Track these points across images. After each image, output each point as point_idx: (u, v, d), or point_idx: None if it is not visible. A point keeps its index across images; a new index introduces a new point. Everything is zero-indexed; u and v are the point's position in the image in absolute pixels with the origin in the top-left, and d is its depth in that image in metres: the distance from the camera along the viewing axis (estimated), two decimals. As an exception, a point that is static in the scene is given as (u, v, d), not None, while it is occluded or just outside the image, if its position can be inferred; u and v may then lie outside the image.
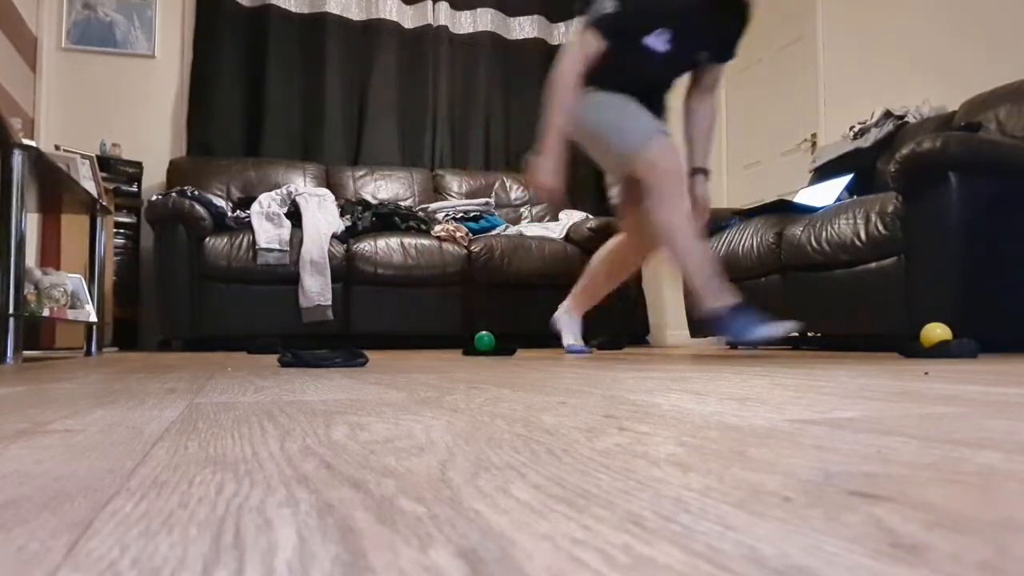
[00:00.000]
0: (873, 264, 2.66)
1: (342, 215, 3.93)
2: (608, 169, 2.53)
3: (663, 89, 2.47)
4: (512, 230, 4.26)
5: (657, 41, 2.24)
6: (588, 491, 0.35)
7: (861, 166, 3.51)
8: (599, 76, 2.27)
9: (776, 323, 2.13)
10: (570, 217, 4.37)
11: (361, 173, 4.54)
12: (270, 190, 3.99)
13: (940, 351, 1.97)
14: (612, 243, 2.61)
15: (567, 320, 2.71)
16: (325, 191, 4.04)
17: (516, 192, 4.77)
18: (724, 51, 2.42)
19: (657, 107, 2.43)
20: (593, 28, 2.22)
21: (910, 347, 2.06)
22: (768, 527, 0.28)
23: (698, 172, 2.42)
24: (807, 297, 2.98)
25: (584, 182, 5.05)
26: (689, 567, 0.23)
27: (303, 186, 4.16)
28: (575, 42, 2.27)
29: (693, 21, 2.26)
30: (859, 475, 0.38)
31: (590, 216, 4.32)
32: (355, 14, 4.75)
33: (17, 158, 2.19)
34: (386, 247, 3.75)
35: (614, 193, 2.59)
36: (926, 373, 1.25)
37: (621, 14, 2.19)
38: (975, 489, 0.34)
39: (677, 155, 2.25)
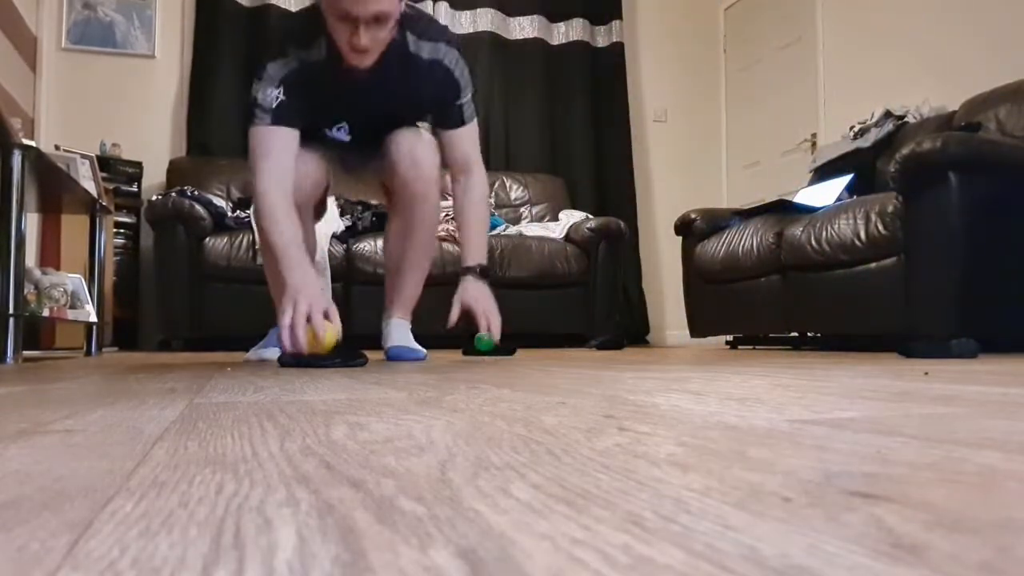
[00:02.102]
0: (873, 264, 2.66)
1: (342, 215, 3.93)
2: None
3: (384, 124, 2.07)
4: (512, 230, 4.26)
5: (339, 134, 2.01)
6: (588, 491, 0.35)
7: (861, 166, 3.51)
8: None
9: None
10: (570, 217, 4.37)
11: (361, 173, 4.53)
12: (270, 190, 3.99)
13: (940, 351, 1.97)
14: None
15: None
16: (325, 191, 4.03)
17: (516, 192, 4.77)
18: (446, 121, 2.06)
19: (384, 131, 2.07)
20: (271, 124, 1.84)
21: (907, 347, 2.06)
22: (768, 527, 0.28)
23: (468, 271, 2.04)
24: (807, 297, 2.98)
25: (584, 182, 5.06)
26: (689, 567, 0.23)
27: (303, 186, 4.15)
28: (256, 154, 1.84)
29: (365, 113, 1.98)
30: (859, 475, 0.38)
31: (590, 216, 4.32)
32: (355, 14, 4.74)
33: (17, 158, 2.19)
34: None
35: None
36: (926, 373, 1.25)
37: (288, 104, 1.85)
38: (975, 489, 0.34)
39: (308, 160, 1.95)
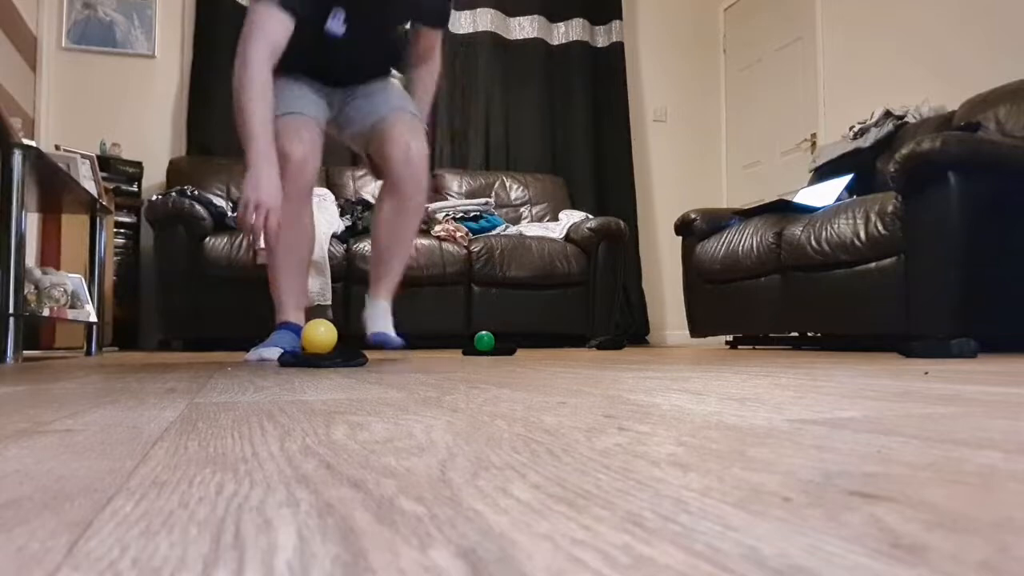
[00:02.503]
0: (873, 264, 2.66)
1: (342, 215, 3.93)
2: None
3: (369, 53, 2.21)
4: (512, 230, 4.26)
5: (334, 23, 2.04)
6: (588, 491, 0.35)
7: (861, 166, 3.51)
8: (286, 62, 2.02)
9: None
10: (570, 217, 4.37)
11: (361, 173, 4.53)
12: (270, 190, 3.99)
13: (940, 351, 1.97)
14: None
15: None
16: (325, 191, 4.04)
17: (516, 192, 4.77)
18: (431, 17, 2.23)
19: (367, 67, 2.24)
20: (279, 4, 1.93)
21: (907, 347, 2.06)
22: (768, 527, 0.28)
23: (409, 113, 2.22)
24: (807, 297, 2.98)
25: (584, 182, 5.06)
26: (689, 567, 0.23)
27: (303, 186, 4.16)
28: (253, 23, 1.94)
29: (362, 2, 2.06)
30: (859, 475, 0.38)
31: (590, 216, 4.32)
32: (355, 14, 4.75)
33: (17, 158, 2.19)
34: (386, 247, 3.75)
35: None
36: (926, 373, 1.25)
37: None
38: (975, 489, 0.34)
39: (307, 140, 2.05)
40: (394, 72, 2.37)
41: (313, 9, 2.00)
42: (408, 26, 2.30)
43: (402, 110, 2.19)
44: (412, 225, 2.22)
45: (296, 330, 2.13)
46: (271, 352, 2.03)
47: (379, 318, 2.20)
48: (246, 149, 1.90)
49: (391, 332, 2.19)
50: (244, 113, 1.91)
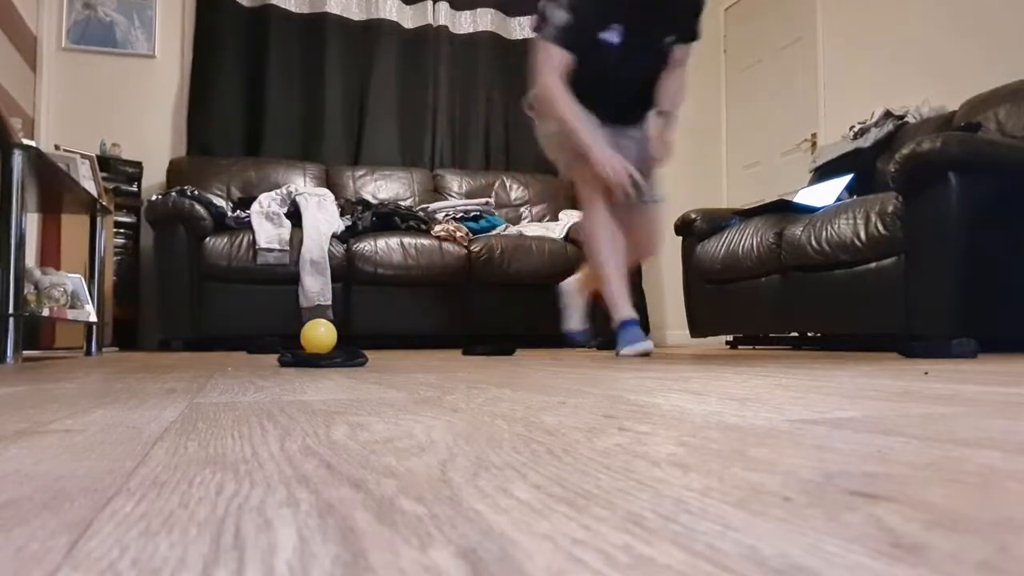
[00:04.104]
0: (873, 264, 2.66)
1: (342, 215, 3.93)
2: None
3: (634, 85, 2.50)
4: (512, 230, 4.26)
5: (610, 35, 2.34)
6: (588, 491, 0.35)
7: (861, 166, 3.51)
8: (576, 90, 2.36)
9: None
10: (570, 217, 4.37)
11: (361, 173, 4.54)
12: (270, 190, 3.99)
13: (939, 351, 1.97)
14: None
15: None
16: (325, 191, 4.04)
17: (516, 192, 4.77)
18: (687, 33, 2.50)
19: (632, 106, 2.53)
20: (554, 42, 2.32)
21: (907, 347, 2.05)
22: (768, 527, 0.28)
23: (663, 115, 2.49)
24: (807, 297, 2.98)
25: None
26: (689, 567, 0.23)
27: (303, 186, 4.16)
28: (542, 59, 2.35)
29: (642, 12, 2.34)
30: (859, 475, 0.38)
31: (590, 216, 4.31)
32: (355, 14, 4.75)
33: (17, 158, 2.19)
34: (386, 247, 3.75)
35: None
36: (926, 373, 1.25)
37: (573, 25, 2.30)
38: (975, 489, 0.34)
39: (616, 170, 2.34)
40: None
41: (594, 22, 2.32)
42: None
43: (657, 200, 2.56)
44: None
45: (638, 323, 2.39)
46: (647, 345, 2.28)
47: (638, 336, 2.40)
48: (577, 142, 2.33)
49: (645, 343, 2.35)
50: (564, 122, 2.34)
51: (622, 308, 2.39)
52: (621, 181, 2.29)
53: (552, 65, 2.32)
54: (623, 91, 2.48)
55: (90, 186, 2.91)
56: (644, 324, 2.53)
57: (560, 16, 2.30)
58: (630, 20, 2.34)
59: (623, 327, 2.34)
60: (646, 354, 2.26)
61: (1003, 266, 2.39)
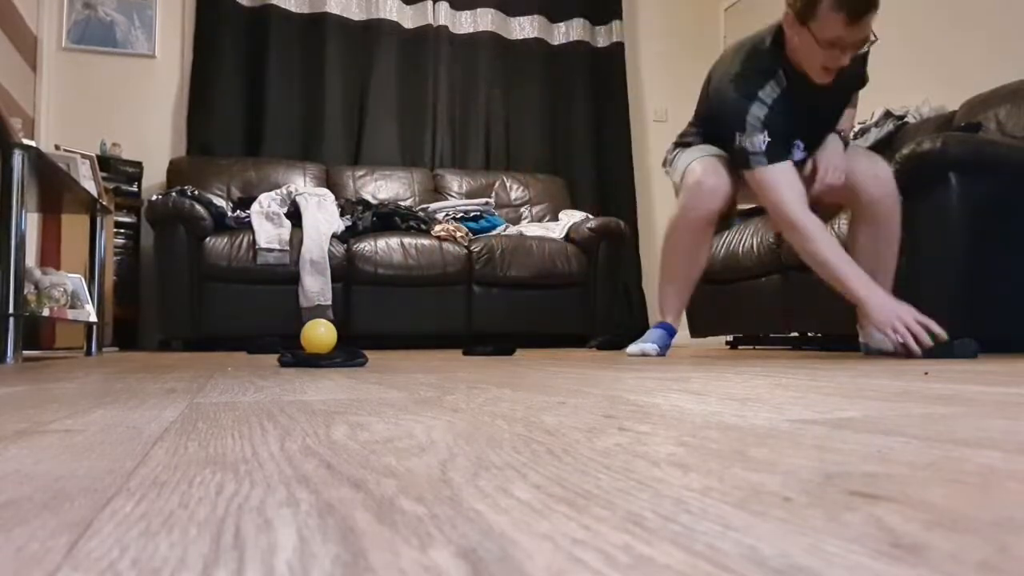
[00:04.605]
0: (873, 264, 2.66)
1: (342, 215, 3.93)
2: None
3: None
4: (512, 230, 4.26)
5: (797, 152, 2.26)
6: (588, 491, 0.35)
7: (861, 166, 3.51)
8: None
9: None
10: (570, 217, 4.37)
11: (361, 173, 4.54)
12: (270, 190, 3.99)
13: (941, 351, 1.96)
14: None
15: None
16: (325, 191, 4.04)
17: (516, 192, 4.77)
18: (856, 84, 2.38)
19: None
20: (770, 163, 2.14)
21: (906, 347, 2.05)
22: (768, 527, 0.28)
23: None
24: (807, 297, 2.98)
25: (584, 182, 5.06)
26: (689, 567, 0.23)
27: (303, 186, 4.16)
28: (770, 186, 2.15)
29: (819, 113, 2.27)
30: (859, 475, 0.38)
31: (590, 216, 4.32)
32: (355, 14, 4.75)
33: (17, 158, 2.19)
34: (386, 247, 3.75)
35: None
36: (926, 373, 1.25)
37: (773, 142, 2.15)
38: (975, 489, 0.34)
39: (720, 174, 2.27)
40: None
41: (783, 146, 2.18)
42: None
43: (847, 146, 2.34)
44: (893, 243, 2.33)
45: (670, 330, 2.41)
46: (651, 347, 2.28)
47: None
48: (849, 291, 2.07)
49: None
50: (827, 267, 2.10)
51: (661, 312, 2.48)
52: (908, 337, 1.93)
53: (781, 184, 2.12)
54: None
55: (90, 186, 2.91)
56: (643, 324, 2.52)
57: (760, 139, 2.13)
58: (812, 129, 2.27)
59: (652, 327, 2.43)
60: (644, 354, 2.29)
61: (1003, 266, 2.39)
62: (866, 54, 2.25)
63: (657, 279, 2.54)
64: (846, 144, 2.35)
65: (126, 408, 0.77)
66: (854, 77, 2.27)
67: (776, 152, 2.13)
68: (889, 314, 1.97)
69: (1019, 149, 2.50)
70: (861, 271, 2.07)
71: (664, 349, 2.34)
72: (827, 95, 2.19)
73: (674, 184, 2.52)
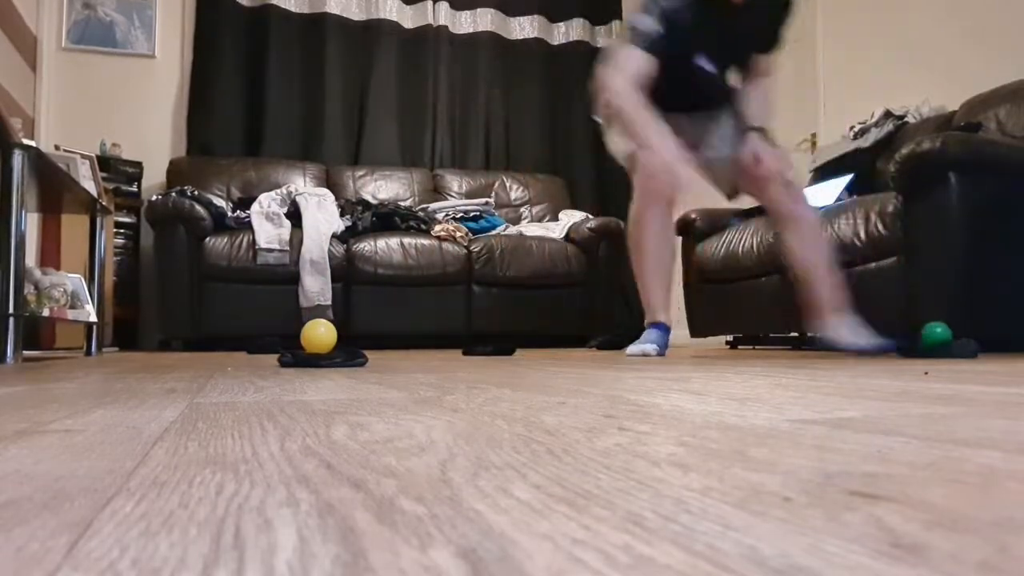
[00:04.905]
0: (873, 264, 2.66)
1: (342, 215, 3.93)
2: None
3: (713, 89, 2.46)
4: (512, 230, 4.26)
5: (704, 62, 2.30)
6: (588, 491, 0.35)
7: (861, 166, 3.51)
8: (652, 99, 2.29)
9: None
10: (570, 217, 4.37)
11: (361, 173, 4.54)
12: (270, 190, 3.99)
13: (941, 351, 1.97)
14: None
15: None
16: (325, 191, 4.04)
17: (516, 192, 4.77)
18: (771, 43, 2.43)
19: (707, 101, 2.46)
20: (641, 47, 2.19)
21: (913, 347, 2.05)
22: (768, 527, 0.28)
23: (751, 130, 2.38)
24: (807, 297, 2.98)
25: (584, 182, 5.06)
26: (689, 567, 0.23)
27: (303, 186, 4.16)
28: (619, 61, 2.23)
29: (733, 39, 2.30)
30: (859, 475, 0.38)
31: (590, 216, 4.32)
32: (355, 14, 4.75)
33: (17, 158, 2.19)
34: (386, 247, 3.75)
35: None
36: (926, 373, 1.25)
37: (663, 37, 2.19)
38: (975, 489, 0.34)
39: (672, 149, 2.21)
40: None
41: (688, 45, 2.24)
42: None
43: (760, 144, 2.35)
44: (819, 240, 2.39)
45: (666, 329, 2.38)
46: (651, 348, 2.26)
47: (855, 331, 2.28)
48: (636, 138, 2.22)
49: (872, 340, 2.23)
50: (630, 122, 2.22)
51: (652, 311, 2.41)
52: (676, 180, 2.15)
53: (629, 69, 2.20)
54: (708, 92, 2.43)
55: (90, 186, 2.91)
56: (641, 325, 2.51)
57: (649, 24, 2.19)
58: (722, 48, 2.31)
59: (647, 328, 2.39)
60: (645, 355, 2.28)
61: (1003, 266, 2.39)
62: (783, 14, 2.37)
63: (642, 290, 2.47)
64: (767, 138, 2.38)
65: (126, 408, 0.77)
66: (765, 22, 2.34)
67: (655, 48, 2.19)
68: (669, 153, 2.15)
69: (1019, 149, 2.50)
70: (657, 130, 2.18)
71: (663, 348, 2.33)
72: (739, 21, 2.25)
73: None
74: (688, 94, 2.38)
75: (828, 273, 2.35)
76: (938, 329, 2.04)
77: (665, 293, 2.42)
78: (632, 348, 2.31)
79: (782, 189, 2.34)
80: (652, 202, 2.29)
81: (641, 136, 2.20)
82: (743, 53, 2.40)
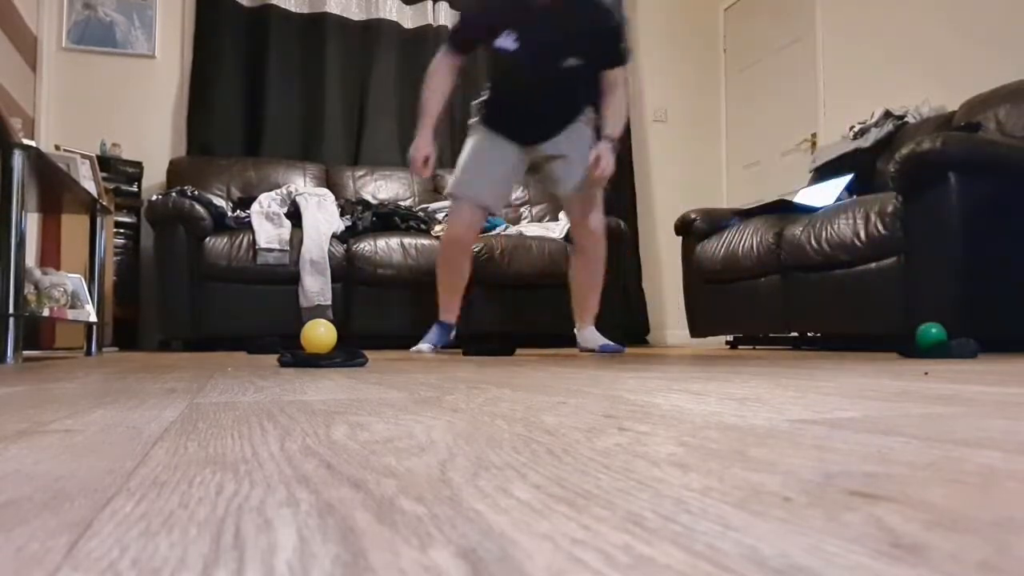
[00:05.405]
0: (873, 264, 2.66)
1: (342, 215, 3.93)
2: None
3: (553, 98, 2.67)
4: (512, 230, 4.26)
5: (506, 41, 2.51)
6: (588, 491, 0.35)
7: (861, 166, 3.51)
8: (490, 97, 2.74)
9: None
10: (570, 217, 4.37)
11: (361, 173, 4.53)
12: (270, 190, 3.99)
13: (940, 351, 1.97)
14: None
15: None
16: (325, 191, 4.03)
17: (516, 192, 4.77)
18: (608, 57, 2.61)
19: (552, 125, 2.71)
20: (447, 43, 2.67)
21: (910, 347, 2.06)
22: (768, 527, 0.28)
23: (604, 139, 2.62)
24: (807, 297, 2.98)
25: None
26: (689, 567, 0.23)
27: (303, 186, 4.16)
28: (437, 59, 2.71)
29: (537, 19, 2.48)
30: (859, 475, 0.38)
31: (590, 216, 4.31)
32: (355, 14, 4.75)
33: (17, 158, 2.19)
34: (386, 247, 3.75)
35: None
36: (926, 373, 1.25)
37: (460, 25, 2.68)
38: (975, 489, 0.34)
39: (464, 224, 2.71)
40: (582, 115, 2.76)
41: (485, 31, 2.54)
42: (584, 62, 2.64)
43: (583, 191, 2.68)
44: (597, 270, 2.92)
45: (447, 327, 2.86)
46: (425, 347, 2.76)
47: (598, 337, 2.88)
48: (420, 122, 2.73)
49: (608, 342, 2.83)
50: (424, 100, 2.73)
51: (442, 312, 2.88)
52: (416, 167, 2.68)
53: (441, 61, 2.67)
54: (535, 104, 2.65)
55: (90, 186, 2.91)
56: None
57: (453, 21, 2.59)
58: (522, 26, 2.48)
59: (435, 325, 2.85)
60: (420, 352, 2.66)
61: (1003, 266, 2.39)
62: (617, 29, 2.59)
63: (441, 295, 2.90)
64: (615, 151, 2.60)
65: (126, 408, 0.77)
66: (593, 25, 2.52)
67: (454, 42, 2.66)
68: (413, 151, 2.68)
69: (1019, 149, 2.50)
70: (432, 120, 2.71)
71: (440, 346, 2.80)
72: (554, 18, 2.47)
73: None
74: (521, 121, 2.68)
75: (595, 289, 2.88)
76: (933, 330, 2.04)
77: (457, 303, 2.87)
78: (415, 347, 2.74)
79: (591, 202, 2.72)
80: (456, 238, 2.75)
81: (421, 121, 2.72)
82: (559, 52, 2.54)
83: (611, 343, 2.82)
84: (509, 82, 2.67)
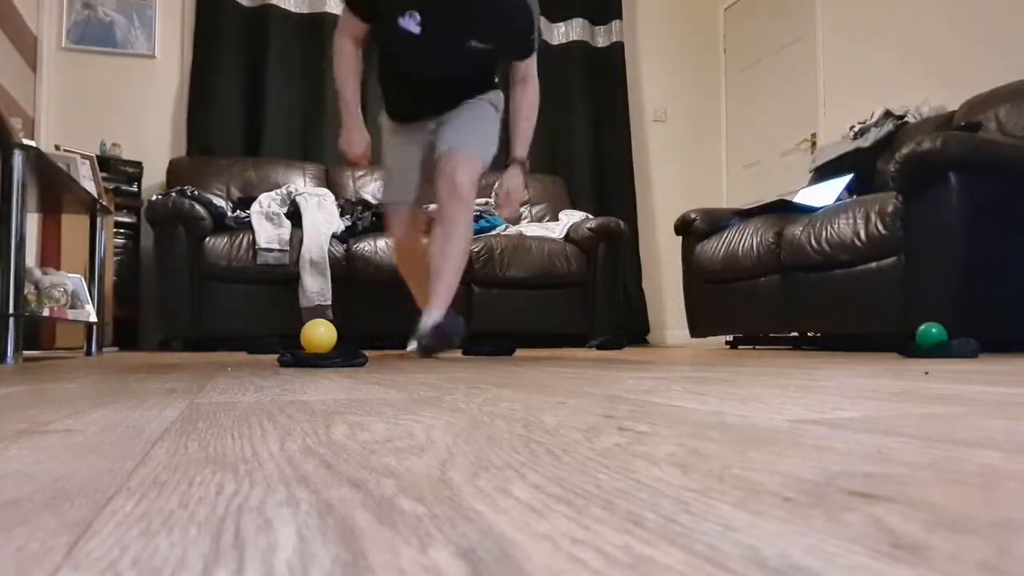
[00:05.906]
0: (873, 264, 2.66)
1: (342, 215, 3.93)
2: None
3: (441, 83, 2.57)
4: (512, 230, 4.26)
5: (409, 23, 2.38)
6: (588, 491, 0.35)
7: (861, 166, 3.51)
8: (383, 74, 2.67)
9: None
10: (570, 217, 4.37)
11: (361, 173, 4.53)
12: (270, 190, 3.99)
13: (940, 351, 1.97)
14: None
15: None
16: (325, 191, 4.03)
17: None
18: (517, 49, 2.51)
19: (449, 99, 2.58)
20: (349, 7, 2.47)
21: (910, 347, 2.06)
22: (768, 527, 0.28)
23: (513, 163, 2.52)
24: (807, 297, 2.98)
25: (584, 182, 5.06)
26: (689, 567, 0.23)
27: (303, 186, 4.16)
28: (340, 21, 2.55)
29: (443, 5, 2.35)
30: (859, 475, 0.38)
31: (590, 216, 4.32)
32: (355, 14, 4.75)
33: (17, 158, 2.19)
34: (386, 247, 3.75)
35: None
36: (926, 373, 1.25)
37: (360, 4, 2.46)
38: (975, 489, 0.34)
39: (402, 224, 2.64)
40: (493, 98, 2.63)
41: (391, 4, 2.38)
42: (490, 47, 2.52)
43: (463, 147, 2.46)
44: (460, 243, 2.50)
45: (456, 319, 2.56)
46: (412, 347, 2.48)
47: (433, 328, 2.43)
48: (342, 113, 2.64)
49: (432, 336, 2.41)
50: (339, 87, 2.61)
51: (424, 303, 2.64)
52: (356, 159, 2.62)
53: (345, 32, 2.51)
54: (429, 85, 2.56)
55: (90, 186, 2.91)
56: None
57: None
58: (427, 10, 2.35)
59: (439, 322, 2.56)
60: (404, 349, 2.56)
61: (1003, 266, 2.39)
62: (524, 19, 2.39)
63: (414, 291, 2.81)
64: (524, 172, 2.52)
65: (126, 408, 0.77)
66: (497, 11, 2.36)
67: (359, 7, 2.44)
68: (346, 146, 2.63)
69: (1019, 149, 2.50)
70: (357, 107, 2.64)
71: (457, 335, 2.57)
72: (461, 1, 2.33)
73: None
74: (413, 97, 2.62)
75: (453, 274, 2.48)
76: (933, 330, 2.04)
77: (425, 284, 2.60)
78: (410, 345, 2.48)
79: (456, 180, 2.46)
80: (399, 240, 2.69)
81: (344, 109, 2.65)
82: (460, 35, 2.39)
83: (449, 322, 2.41)
84: (409, 62, 2.52)
